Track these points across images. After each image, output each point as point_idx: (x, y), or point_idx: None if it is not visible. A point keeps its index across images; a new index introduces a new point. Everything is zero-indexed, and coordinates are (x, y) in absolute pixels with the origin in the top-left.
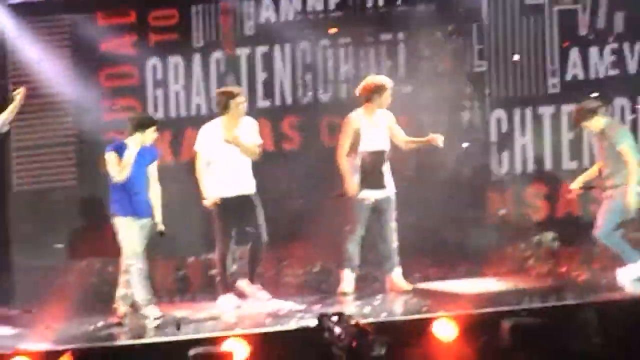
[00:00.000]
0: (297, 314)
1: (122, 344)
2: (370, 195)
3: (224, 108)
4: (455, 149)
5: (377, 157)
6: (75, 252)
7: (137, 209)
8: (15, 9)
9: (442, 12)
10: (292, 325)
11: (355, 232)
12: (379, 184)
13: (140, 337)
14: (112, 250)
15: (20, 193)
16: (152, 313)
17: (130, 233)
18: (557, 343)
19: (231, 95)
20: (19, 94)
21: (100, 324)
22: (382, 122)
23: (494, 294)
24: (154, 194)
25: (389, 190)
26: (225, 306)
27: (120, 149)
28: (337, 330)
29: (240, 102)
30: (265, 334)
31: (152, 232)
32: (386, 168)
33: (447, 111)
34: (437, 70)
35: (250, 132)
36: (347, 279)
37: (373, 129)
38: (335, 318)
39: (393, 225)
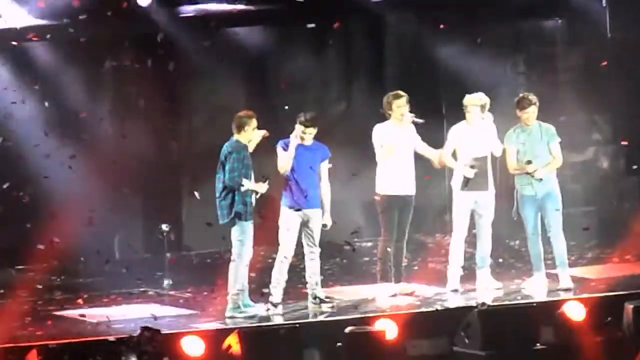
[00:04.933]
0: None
1: (285, 323)
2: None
3: (387, 110)
4: None
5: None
6: None
7: (300, 201)
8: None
9: None
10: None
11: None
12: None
13: (299, 318)
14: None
15: None
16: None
17: (290, 220)
18: None
19: (396, 97)
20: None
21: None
22: None
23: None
24: (324, 191)
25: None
26: (383, 293)
27: (285, 145)
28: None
29: (400, 106)
30: (413, 314)
31: (317, 223)
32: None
33: None
34: None
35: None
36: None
37: None
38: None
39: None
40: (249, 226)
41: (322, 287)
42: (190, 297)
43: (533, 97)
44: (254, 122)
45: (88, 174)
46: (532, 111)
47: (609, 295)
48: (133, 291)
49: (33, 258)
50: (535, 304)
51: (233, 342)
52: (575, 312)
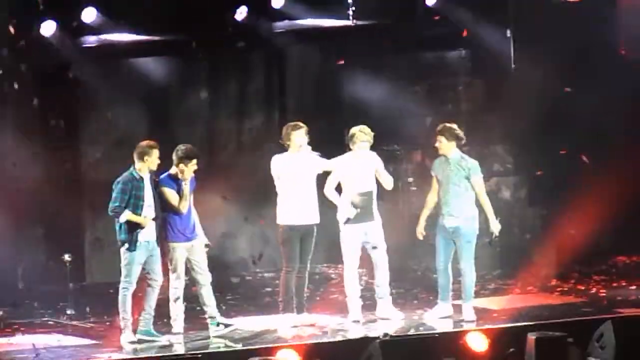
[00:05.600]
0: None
1: (185, 354)
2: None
3: (286, 141)
4: None
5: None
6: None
7: (186, 233)
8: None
9: None
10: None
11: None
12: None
13: (201, 348)
14: None
15: None
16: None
17: (180, 255)
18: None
19: (295, 127)
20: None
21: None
22: None
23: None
24: (196, 217)
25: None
26: (285, 323)
27: (172, 182)
28: None
29: (298, 137)
30: (315, 344)
31: (202, 250)
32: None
33: None
34: None
35: (312, 165)
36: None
37: None
38: None
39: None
40: (135, 257)
41: (224, 317)
42: (92, 327)
43: (446, 128)
44: (155, 152)
45: None
46: (439, 141)
47: (511, 326)
48: (35, 321)
49: None
50: (437, 335)
51: None
52: (477, 342)
